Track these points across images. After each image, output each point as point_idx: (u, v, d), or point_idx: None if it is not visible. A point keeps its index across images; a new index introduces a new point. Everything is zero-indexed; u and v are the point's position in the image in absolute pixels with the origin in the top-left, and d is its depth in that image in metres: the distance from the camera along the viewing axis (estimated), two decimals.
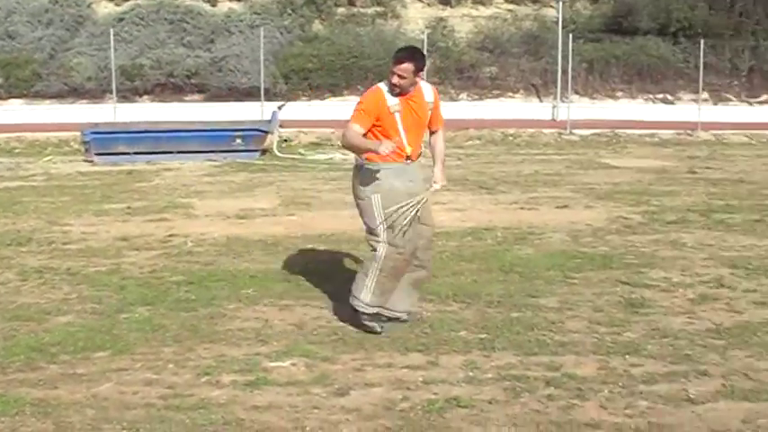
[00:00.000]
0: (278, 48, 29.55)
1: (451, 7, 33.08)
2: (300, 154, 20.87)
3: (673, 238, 10.53)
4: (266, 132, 20.54)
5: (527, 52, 30.38)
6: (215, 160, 19.20)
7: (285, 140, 22.02)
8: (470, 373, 6.05)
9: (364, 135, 7.07)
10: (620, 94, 30.87)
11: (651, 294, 8.06)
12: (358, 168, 7.32)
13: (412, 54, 7.24)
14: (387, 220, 7.03)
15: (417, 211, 6.97)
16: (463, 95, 29.04)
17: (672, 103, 31.04)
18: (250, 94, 27.81)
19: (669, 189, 14.77)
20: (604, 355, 6.40)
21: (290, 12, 31.59)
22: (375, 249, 7.09)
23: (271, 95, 27.18)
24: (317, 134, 23.77)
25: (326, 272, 8.84)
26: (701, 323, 7.21)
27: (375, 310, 7.15)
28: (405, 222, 6.96)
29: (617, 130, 24.96)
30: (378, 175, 7.11)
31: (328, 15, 32.09)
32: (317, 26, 31.83)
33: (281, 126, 21.41)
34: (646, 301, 7.81)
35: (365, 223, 7.26)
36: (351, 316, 7.20)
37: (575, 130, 24.71)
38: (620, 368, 6.15)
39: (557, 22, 28.53)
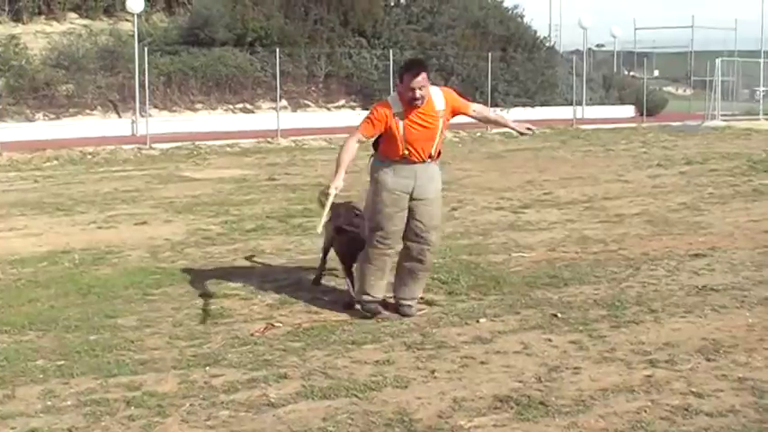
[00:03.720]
0: None
1: (24, 24, 31.88)
2: None
3: (252, 246, 10.65)
4: None
5: (103, 68, 29.69)
6: None
7: None
8: (49, 403, 5.76)
9: (375, 142, 7.59)
10: (199, 105, 30.91)
11: (230, 303, 8.07)
12: (371, 156, 7.78)
13: (423, 63, 7.54)
14: (370, 211, 7.63)
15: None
16: (39, 115, 27.95)
17: (252, 112, 31.51)
18: None
19: (249, 197, 14.94)
20: (185, 369, 6.33)
21: None
22: None
23: None
24: None
25: None
26: (283, 329, 7.32)
27: (359, 296, 7.79)
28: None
29: (197, 142, 24.97)
30: (376, 171, 7.60)
31: None
32: None
33: None
34: (225, 311, 7.82)
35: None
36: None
37: (155, 145, 24.48)
38: (201, 380, 6.11)
39: (133, 36, 28.17)
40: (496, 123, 8.59)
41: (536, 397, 5.80)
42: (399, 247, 7.73)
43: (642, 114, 36.73)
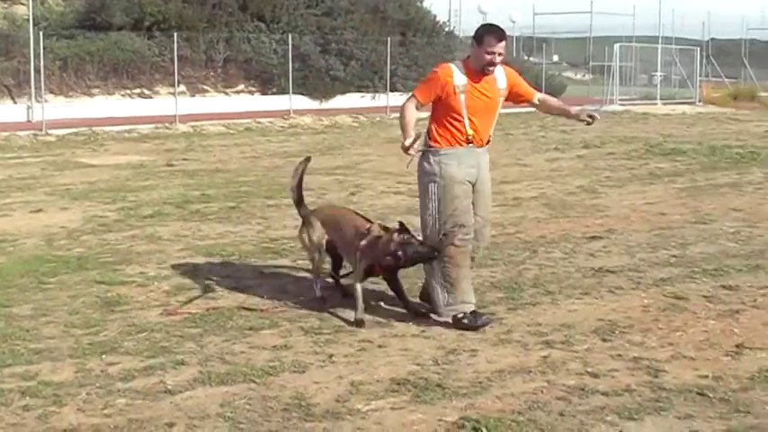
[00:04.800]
0: None
1: None
2: None
3: (149, 233, 10.53)
4: None
5: None
6: None
7: None
8: None
9: (433, 111, 7.12)
10: (96, 91, 30.44)
11: (127, 291, 7.99)
12: (422, 153, 7.18)
13: (503, 29, 7.10)
14: (439, 213, 7.00)
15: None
16: None
17: (150, 97, 31.14)
18: None
19: (146, 184, 14.76)
20: (81, 358, 6.25)
21: None
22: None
23: None
24: None
25: None
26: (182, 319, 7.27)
27: (461, 308, 6.99)
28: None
29: (94, 128, 24.54)
30: (437, 162, 7.04)
31: None
32: None
33: None
34: (122, 298, 7.73)
35: (420, 214, 7.28)
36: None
37: (51, 131, 24.02)
38: (98, 369, 6.04)
39: (28, 20, 27.58)
40: (561, 113, 7.73)
41: (433, 379, 5.85)
42: None
43: None
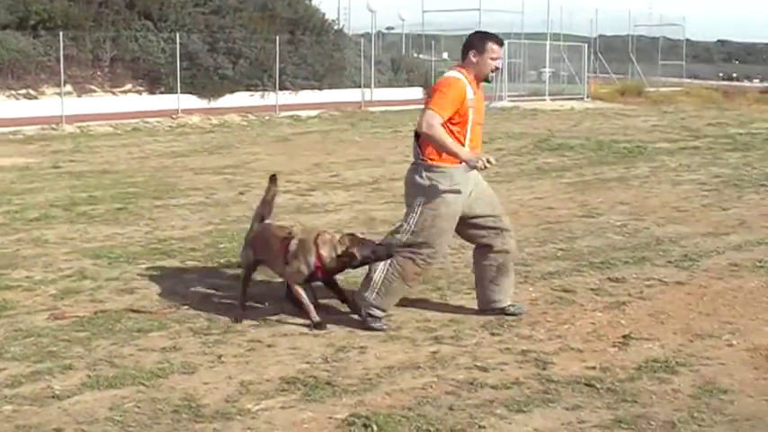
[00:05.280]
0: None
1: None
2: None
3: (35, 236, 10.32)
4: None
5: None
6: None
7: None
8: None
9: (419, 144, 6.87)
10: None
11: (13, 295, 7.83)
12: (414, 165, 6.99)
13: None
14: (416, 225, 6.86)
15: None
16: None
17: (35, 98, 30.51)
18: None
19: (32, 186, 14.44)
20: None
21: None
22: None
23: None
24: None
25: None
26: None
27: (373, 311, 6.97)
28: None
29: None
30: (429, 178, 6.84)
31: None
32: None
33: None
34: (8, 303, 7.57)
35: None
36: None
37: None
38: None
39: None
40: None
41: (323, 377, 5.86)
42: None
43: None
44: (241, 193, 13.34)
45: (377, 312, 6.99)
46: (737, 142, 21.57)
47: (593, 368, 6.13)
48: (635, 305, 7.60)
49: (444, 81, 6.97)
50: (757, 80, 72.02)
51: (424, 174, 6.87)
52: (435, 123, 6.66)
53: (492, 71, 6.94)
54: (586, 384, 5.82)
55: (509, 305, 7.29)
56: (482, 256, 7.26)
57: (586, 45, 45.02)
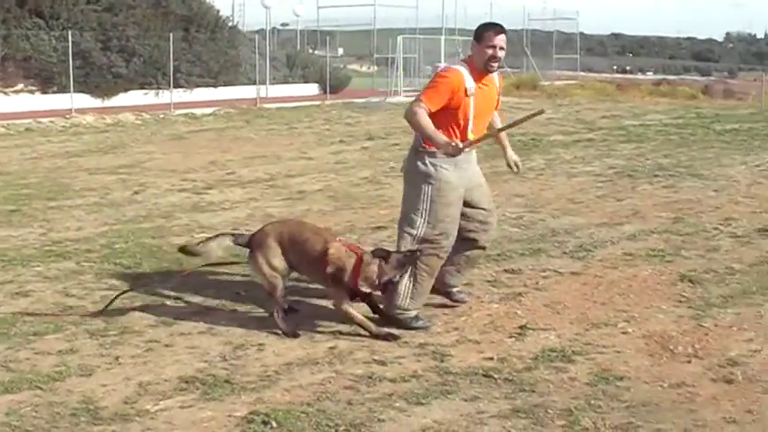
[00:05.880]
0: None
1: None
2: None
3: None
4: None
5: None
6: None
7: None
8: None
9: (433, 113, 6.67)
10: None
11: None
12: (415, 151, 6.92)
13: (501, 25, 6.90)
14: (429, 216, 6.78)
15: None
16: None
17: None
18: None
19: None
20: None
21: None
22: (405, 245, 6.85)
23: None
24: None
25: None
26: None
27: (415, 313, 6.90)
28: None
29: None
30: (433, 165, 6.78)
31: None
32: None
33: None
34: None
35: (403, 212, 7.00)
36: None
37: None
38: None
39: None
40: (497, 138, 7.68)
41: (221, 375, 5.85)
42: None
43: (326, 92, 37.29)
44: (136, 193, 13.20)
45: (414, 314, 6.96)
46: (631, 134, 21.96)
47: (491, 359, 6.21)
48: (531, 296, 7.72)
49: (439, 73, 7.06)
50: (650, 72, 73.49)
51: (427, 160, 6.84)
52: (418, 111, 6.65)
53: (489, 60, 6.81)
54: (484, 375, 5.89)
55: (458, 290, 7.49)
56: (462, 245, 7.22)
57: None
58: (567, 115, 27.91)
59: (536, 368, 6.06)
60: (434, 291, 7.29)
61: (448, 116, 6.78)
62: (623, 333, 6.83)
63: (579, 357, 6.26)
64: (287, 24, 61.39)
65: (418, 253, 6.78)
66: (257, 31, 45.06)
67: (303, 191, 13.32)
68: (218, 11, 40.24)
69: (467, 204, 7.10)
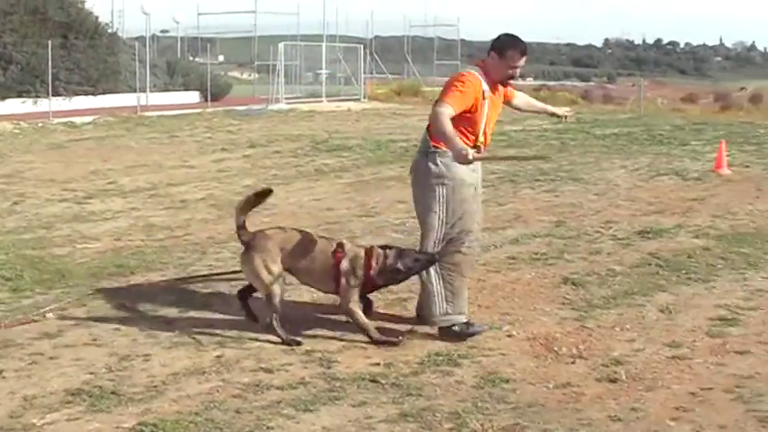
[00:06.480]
0: None
1: None
2: None
3: None
4: None
5: None
6: None
7: None
8: None
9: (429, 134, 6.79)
10: None
11: None
12: (425, 153, 6.88)
13: (525, 43, 6.87)
14: (447, 216, 6.78)
15: None
16: None
17: None
18: None
19: None
20: None
21: None
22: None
23: None
24: None
25: None
26: None
27: (457, 318, 6.85)
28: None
29: None
30: (445, 164, 6.73)
31: None
32: None
33: None
34: None
35: (419, 214, 7.02)
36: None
37: None
38: None
39: None
40: (541, 110, 7.92)
41: (108, 387, 5.79)
42: None
43: (207, 100, 36.99)
44: (15, 204, 12.93)
45: (461, 318, 6.92)
46: (512, 139, 22.22)
47: (378, 364, 6.26)
48: (416, 302, 7.76)
49: (458, 76, 6.91)
50: (531, 78, 74.45)
51: (438, 160, 6.82)
52: (444, 112, 6.55)
53: (508, 78, 6.91)
54: (371, 380, 5.94)
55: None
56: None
57: (362, 46, 45.50)
58: None
59: (422, 372, 6.13)
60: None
61: (464, 120, 6.75)
62: (508, 336, 6.95)
63: (465, 361, 6.36)
64: (167, 31, 60.76)
65: (437, 256, 6.85)
66: (137, 38, 44.44)
67: (185, 200, 13.22)
68: (96, 17, 39.57)
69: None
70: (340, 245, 6.97)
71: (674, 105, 47.06)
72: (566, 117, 7.86)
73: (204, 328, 7.03)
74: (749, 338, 6.95)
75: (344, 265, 6.84)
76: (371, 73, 49.66)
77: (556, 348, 6.67)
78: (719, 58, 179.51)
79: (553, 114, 7.88)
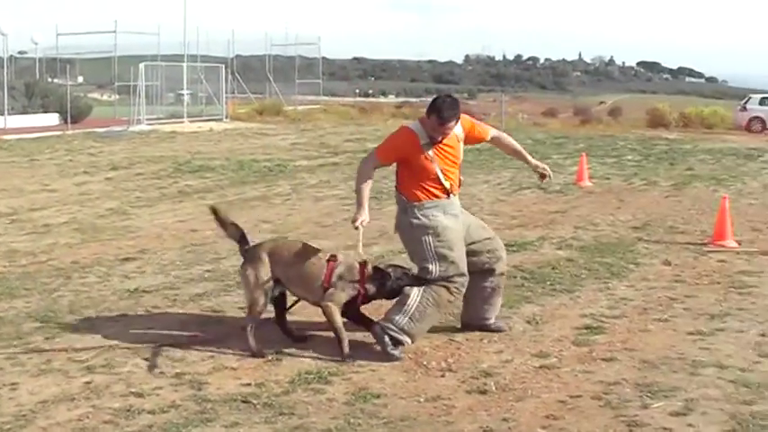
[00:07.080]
0: None
1: None
2: None
3: None
4: None
5: None
6: None
7: None
8: None
9: (402, 171, 7.19)
10: None
11: None
12: (404, 210, 7.19)
13: (458, 111, 7.02)
14: (439, 261, 6.96)
15: None
16: None
17: None
18: None
19: None
20: None
21: None
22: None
23: None
24: None
25: None
26: None
27: (403, 337, 6.90)
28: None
29: None
30: (425, 216, 7.03)
31: None
32: None
33: None
34: None
35: (416, 264, 7.13)
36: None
37: None
38: None
39: None
40: (515, 154, 8.00)
41: None
42: None
43: (67, 122, 36.32)
44: None
45: (404, 338, 6.97)
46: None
47: (249, 385, 6.28)
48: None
49: (395, 130, 7.36)
50: (392, 95, 75.02)
51: (417, 213, 7.11)
52: (365, 165, 7.23)
53: (439, 136, 7.05)
54: (243, 401, 5.96)
55: (493, 322, 7.64)
56: (482, 278, 7.48)
57: (224, 66, 45.27)
58: (312, 140, 28.21)
59: (294, 391, 6.17)
60: (466, 326, 7.63)
61: (415, 171, 7.11)
62: (378, 352, 7.01)
63: (336, 378, 6.41)
64: (25, 52, 59.45)
65: (429, 276, 7.04)
66: None
67: (48, 224, 12.95)
68: None
69: (471, 243, 7.35)
70: (333, 256, 7.19)
71: (535, 120, 48.14)
72: (544, 177, 7.83)
73: (72, 353, 6.93)
74: (615, 346, 7.19)
75: (338, 270, 7.04)
76: (233, 92, 49.40)
77: (425, 363, 6.78)
78: (578, 73, 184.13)
79: (534, 169, 7.87)
